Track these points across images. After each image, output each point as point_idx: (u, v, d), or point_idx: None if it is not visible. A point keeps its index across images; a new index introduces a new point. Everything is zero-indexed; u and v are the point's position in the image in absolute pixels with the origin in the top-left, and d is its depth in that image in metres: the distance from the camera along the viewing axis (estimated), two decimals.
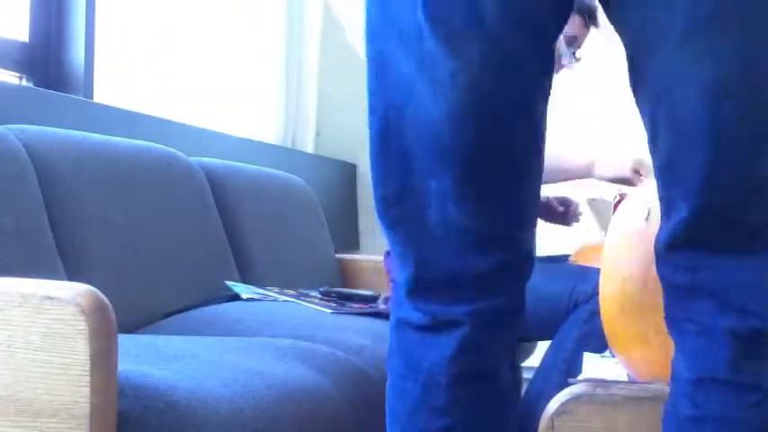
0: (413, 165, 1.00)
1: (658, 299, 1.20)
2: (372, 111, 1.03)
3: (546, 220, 2.35)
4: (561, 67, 2.22)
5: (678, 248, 0.97)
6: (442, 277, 1.02)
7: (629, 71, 0.99)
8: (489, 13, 0.94)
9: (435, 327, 1.02)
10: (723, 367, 0.95)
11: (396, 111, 1.00)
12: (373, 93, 1.02)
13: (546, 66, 1.02)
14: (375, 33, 1.01)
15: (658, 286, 1.20)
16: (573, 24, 2.16)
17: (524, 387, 2.14)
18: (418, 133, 0.99)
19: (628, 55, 0.99)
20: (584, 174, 2.22)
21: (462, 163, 0.98)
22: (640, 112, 0.99)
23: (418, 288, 1.03)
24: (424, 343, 1.03)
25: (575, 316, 2.05)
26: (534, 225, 1.08)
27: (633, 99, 1.00)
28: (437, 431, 1.02)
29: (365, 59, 1.03)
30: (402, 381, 1.04)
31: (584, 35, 2.22)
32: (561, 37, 2.10)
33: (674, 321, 1.00)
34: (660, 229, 0.99)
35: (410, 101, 0.98)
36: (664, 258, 0.99)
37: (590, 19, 2.19)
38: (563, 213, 2.36)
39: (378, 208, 1.05)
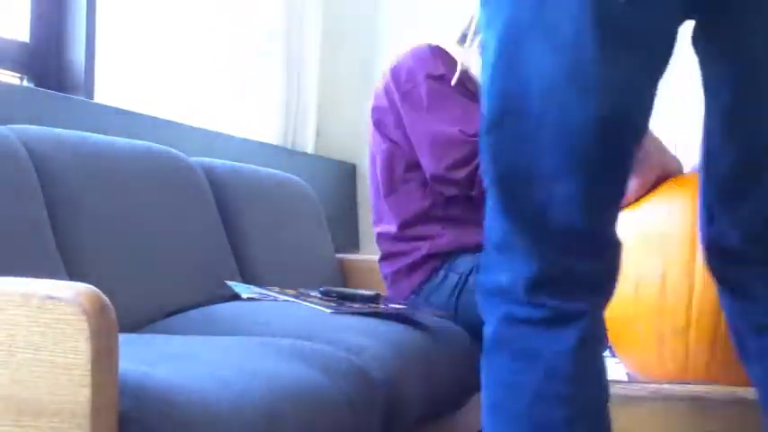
0: (538, 170, 1.00)
1: (676, 300, 1.20)
2: (507, 113, 1.01)
3: None
4: None
5: None
6: (562, 275, 1.03)
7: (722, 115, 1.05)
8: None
9: (554, 320, 1.03)
10: None
11: (530, 116, 0.99)
12: (506, 94, 1.01)
13: None
14: (520, 33, 1.00)
15: (675, 288, 1.21)
16: None
17: None
18: (554, 138, 0.99)
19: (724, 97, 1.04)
20: None
21: (593, 171, 1.00)
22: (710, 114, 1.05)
23: (543, 285, 1.03)
24: (541, 336, 1.03)
25: None
26: None
27: None
28: (560, 421, 1.01)
29: (492, 61, 1.02)
30: (513, 375, 1.04)
31: None
32: None
33: None
34: None
35: (551, 106, 0.98)
36: None
37: None
38: None
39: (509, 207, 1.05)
